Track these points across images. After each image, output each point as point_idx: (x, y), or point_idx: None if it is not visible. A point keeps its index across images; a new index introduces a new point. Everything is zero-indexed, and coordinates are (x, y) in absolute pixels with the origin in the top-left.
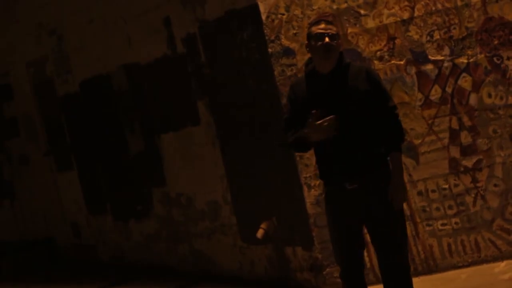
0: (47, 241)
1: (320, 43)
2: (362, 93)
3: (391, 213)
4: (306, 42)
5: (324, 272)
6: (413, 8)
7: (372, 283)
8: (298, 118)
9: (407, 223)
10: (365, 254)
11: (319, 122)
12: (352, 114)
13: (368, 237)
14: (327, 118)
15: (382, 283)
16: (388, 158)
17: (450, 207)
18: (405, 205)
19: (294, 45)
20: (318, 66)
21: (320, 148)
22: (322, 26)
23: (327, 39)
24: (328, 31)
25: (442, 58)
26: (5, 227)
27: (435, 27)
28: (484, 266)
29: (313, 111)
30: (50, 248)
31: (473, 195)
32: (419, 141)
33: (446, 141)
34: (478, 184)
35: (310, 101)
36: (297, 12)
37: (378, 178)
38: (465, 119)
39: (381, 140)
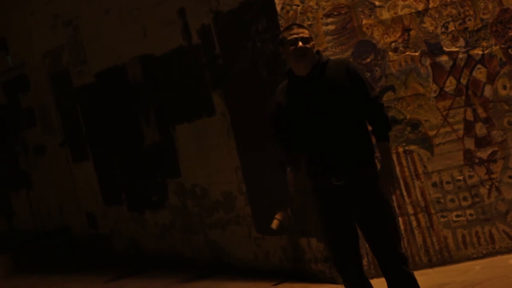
0: (63, 231)
1: (293, 47)
2: (343, 89)
3: (379, 208)
4: (280, 48)
5: None
6: (428, 0)
7: (374, 277)
8: (282, 123)
9: (421, 214)
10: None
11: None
12: (335, 111)
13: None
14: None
15: (384, 277)
16: (376, 154)
17: (464, 199)
18: (419, 196)
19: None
20: (296, 70)
21: (307, 146)
22: (294, 30)
23: (300, 43)
24: (301, 35)
25: (457, 49)
26: (21, 217)
27: (450, 19)
28: (499, 258)
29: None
30: (66, 238)
31: (487, 187)
32: (434, 132)
33: (460, 132)
34: (493, 176)
35: (292, 105)
36: (312, 3)
37: (366, 174)
38: (480, 110)
39: (368, 133)
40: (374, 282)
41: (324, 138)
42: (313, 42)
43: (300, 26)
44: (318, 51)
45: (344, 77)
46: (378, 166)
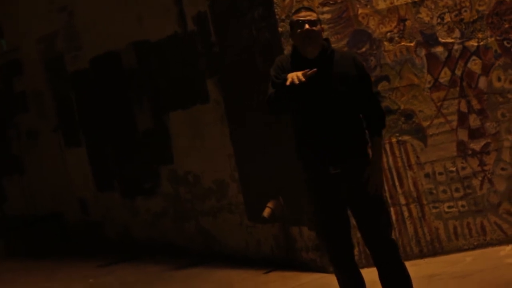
0: (55, 217)
1: (300, 30)
2: (349, 78)
3: (373, 198)
4: (290, 31)
5: None
6: None
7: (365, 266)
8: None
9: (413, 205)
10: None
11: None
12: (337, 99)
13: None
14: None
15: (375, 266)
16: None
17: (457, 190)
18: (412, 187)
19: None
20: (303, 52)
21: (303, 132)
22: (302, 13)
23: (307, 26)
24: (308, 17)
25: (452, 40)
26: (14, 202)
27: (446, 10)
28: (490, 250)
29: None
30: (58, 224)
31: (480, 179)
32: (428, 123)
33: (454, 124)
34: (486, 168)
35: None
36: None
37: (362, 163)
38: (474, 102)
39: (364, 126)
40: (364, 271)
41: (323, 124)
42: (321, 26)
43: (308, 9)
44: (327, 39)
45: (350, 67)
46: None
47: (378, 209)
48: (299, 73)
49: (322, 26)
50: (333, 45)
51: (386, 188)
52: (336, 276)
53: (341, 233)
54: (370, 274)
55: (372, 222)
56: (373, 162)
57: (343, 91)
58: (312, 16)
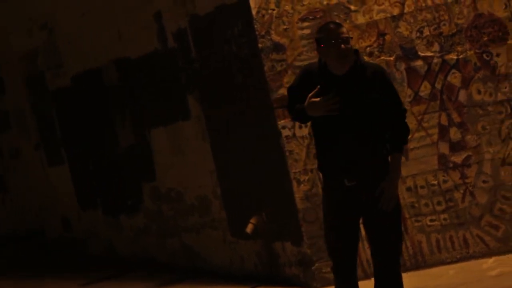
0: (38, 235)
1: (335, 49)
2: (376, 94)
3: (387, 213)
4: (316, 46)
5: (313, 268)
6: (403, 4)
7: (360, 279)
8: (300, 100)
9: None
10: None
11: (319, 98)
12: (364, 114)
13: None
14: (328, 97)
15: (374, 278)
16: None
17: (439, 203)
18: None
19: (284, 41)
20: (334, 69)
21: (324, 141)
22: (337, 30)
23: (343, 46)
24: (344, 35)
25: (431, 54)
26: None
27: (425, 24)
28: (473, 262)
29: (317, 86)
30: (41, 242)
31: (462, 191)
32: (409, 137)
33: (435, 137)
34: (467, 180)
35: (320, 96)
36: (288, 7)
37: (378, 177)
38: (455, 115)
39: (385, 141)
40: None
41: (344, 136)
42: (351, 39)
43: (339, 25)
44: (356, 51)
45: (379, 83)
46: None
47: (390, 225)
48: (321, 105)
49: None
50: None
51: None
52: (336, 286)
53: (348, 246)
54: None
55: (382, 237)
56: (389, 177)
57: (369, 105)
58: (346, 33)
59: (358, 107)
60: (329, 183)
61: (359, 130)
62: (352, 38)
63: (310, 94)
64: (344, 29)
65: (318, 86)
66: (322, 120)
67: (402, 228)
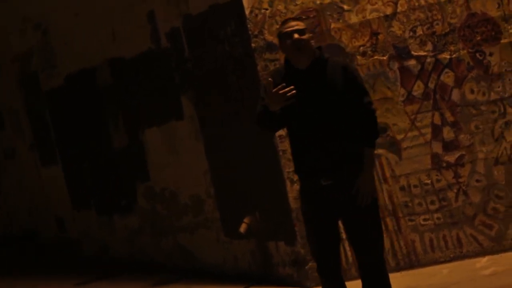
0: (31, 235)
1: (289, 40)
2: (340, 88)
3: (365, 210)
4: (279, 43)
5: (306, 267)
6: (396, 4)
7: (354, 278)
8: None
9: (389, 218)
10: (346, 249)
11: (274, 90)
12: (329, 110)
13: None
14: (280, 87)
15: (361, 279)
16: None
17: (432, 202)
18: (387, 200)
19: (277, 40)
20: (295, 63)
21: (297, 143)
22: (290, 24)
23: (296, 35)
24: (296, 27)
25: (425, 53)
26: None
27: (418, 23)
28: (466, 262)
29: (268, 79)
30: (35, 242)
31: (455, 191)
32: (402, 136)
33: (428, 136)
34: (460, 180)
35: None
36: (281, 7)
37: (353, 174)
38: (448, 114)
39: (356, 136)
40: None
41: (314, 134)
42: (311, 34)
43: (295, 19)
44: (320, 47)
45: (342, 76)
46: None
47: (369, 223)
48: (275, 94)
49: (310, 34)
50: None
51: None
52: (322, 286)
53: (330, 246)
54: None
55: (362, 236)
56: (363, 173)
57: (333, 100)
58: (300, 25)
59: (321, 101)
60: (306, 184)
61: (327, 126)
62: (308, 29)
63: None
64: (299, 22)
65: (283, 84)
66: (291, 120)
67: (395, 227)
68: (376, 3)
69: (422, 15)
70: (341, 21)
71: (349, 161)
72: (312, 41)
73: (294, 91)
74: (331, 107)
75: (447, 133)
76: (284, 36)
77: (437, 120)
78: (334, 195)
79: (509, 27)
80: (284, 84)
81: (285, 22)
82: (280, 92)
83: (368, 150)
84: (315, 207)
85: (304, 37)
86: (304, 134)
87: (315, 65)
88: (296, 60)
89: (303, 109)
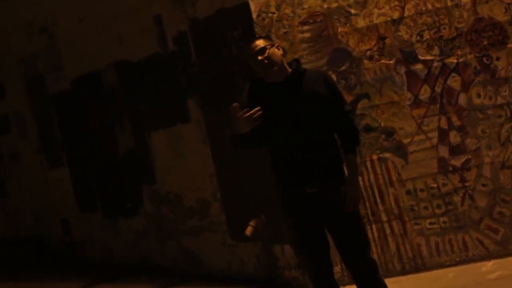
0: (37, 238)
1: (254, 63)
2: (320, 97)
3: (349, 216)
4: (249, 65)
5: None
6: (403, 8)
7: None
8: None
9: (395, 222)
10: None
11: (239, 114)
12: (310, 120)
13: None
14: (245, 110)
15: (355, 285)
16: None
17: (438, 206)
18: (393, 204)
19: (284, 44)
20: (268, 79)
21: (279, 153)
22: (254, 44)
23: (259, 58)
24: (257, 48)
25: (431, 58)
26: None
27: (425, 27)
28: (472, 265)
29: (233, 105)
30: (40, 245)
31: (461, 195)
32: (408, 140)
33: (435, 140)
34: (467, 184)
35: (268, 109)
36: (288, 11)
37: (337, 181)
38: (454, 118)
39: (338, 144)
40: None
41: (296, 144)
42: (274, 46)
43: (257, 38)
44: (297, 60)
45: (321, 86)
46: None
47: (355, 228)
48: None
49: (278, 45)
50: (312, 64)
51: (367, 205)
52: None
53: (319, 252)
54: None
55: (350, 241)
56: (348, 180)
57: (314, 110)
58: (260, 44)
59: (301, 111)
60: (290, 192)
61: (308, 135)
62: (272, 44)
63: (239, 114)
64: (260, 41)
65: (247, 108)
66: (271, 133)
67: (401, 231)
68: (383, 7)
69: (429, 20)
70: (348, 25)
71: (332, 169)
72: (279, 51)
73: (260, 112)
74: (311, 116)
75: (454, 137)
76: (249, 59)
77: (444, 124)
78: (319, 202)
79: None
80: (248, 108)
81: (248, 42)
82: (246, 115)
83: (351, 156)
84: (301, 215)
85: (265, 54)
86: (286, 145)
87: (293, 76)
88: (268, 76)
89: (283, 121)
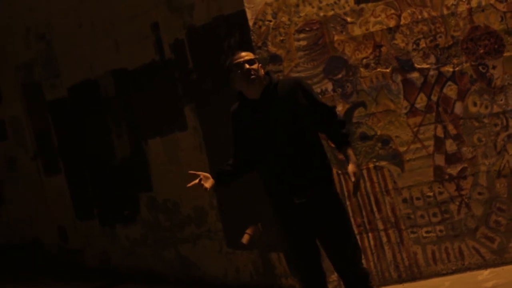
0: (33, 245)
1: (240, 71)
2: (298, 104)
3: (339, 225)
4: (229, 77)
5: None
6: (399, 17)
7: None
8: (243, 146)
9: (391, 230)
10: None
11: (191, 184)
12: (291, 130)
13: None
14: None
15: None
16: (333, 170)
17: (434, 215)
18: (389, 212)
19: (280, 52)
20: (248, 93)
21: (266, 165)
22: (240, 54)
23: (246, 66)
24: (246, 57)
25: (428, 66)
26: None
27: (421, 36)
28: (468, 274)
29: (190, 171)
30: (37, 252)
31: (457, 203)
32: (404, 148)
33: (431, 149)
34: (463, 192)
35: (250, 128)
36: (284, 19)
37: (325, 191)
38: (450, 127)
39: (324, 150)
40: None
41: (283, 157)
42: (260, 64)
43: (244, 50)
44: (268, 72)
45: (297, 94)
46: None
47: (346, 237)
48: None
49: (260, 64)
50: (309, 72)
51: (364, 213)
52: None
53: (311, 262)
54: None
55: (340, 250)
56: (352, 161)
57: (295, 119)
58: (249, 55)
59: (283, 124)
60: (279, 203)
61: (293, 145)
62: (257, 60)
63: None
64: (248, 53)
65: (200, 177)
66: (257, 146)
67: (398, 239)
68: (379, 15)
69: (425, 28)
70: (344, 33)
71: (320, 178)
72: (261, 71)
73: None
74: (293, 125)
75: (450, 146)
76: (234, 67)
77: (440, 132)
78: (309, 212)
79: None
80: (200, 177)
81: (234, 53)
82: (198, 182)
83: (347, 148)
84: (292, 225)
85: (254, 66)
86: (272, 158)
87: (266, 91)
88: (248, 91)
89: (267, 137)
